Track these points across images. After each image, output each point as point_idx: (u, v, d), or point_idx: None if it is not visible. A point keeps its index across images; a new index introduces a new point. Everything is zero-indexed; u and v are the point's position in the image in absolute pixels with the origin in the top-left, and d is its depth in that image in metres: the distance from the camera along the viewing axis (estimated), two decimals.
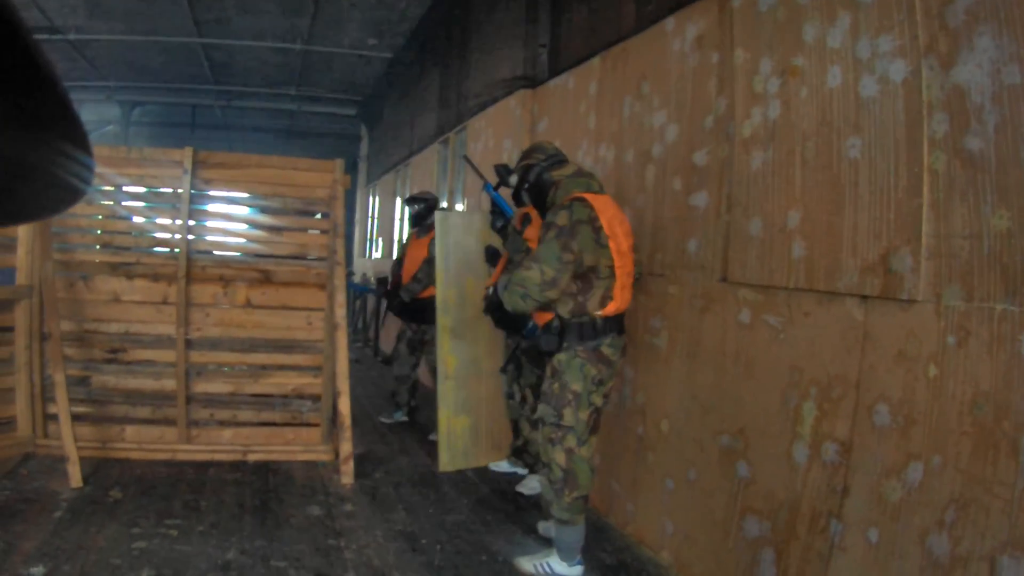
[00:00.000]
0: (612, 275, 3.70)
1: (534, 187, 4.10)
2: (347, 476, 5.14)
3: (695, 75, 4.00)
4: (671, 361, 4.08)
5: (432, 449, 5.95)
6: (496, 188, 4.81)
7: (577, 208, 3.68)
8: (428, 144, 10.17)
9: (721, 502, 3.56)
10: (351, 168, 4.99)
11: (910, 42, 2.62)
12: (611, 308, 3.72)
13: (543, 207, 4.05)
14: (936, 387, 2.49)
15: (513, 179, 4.87)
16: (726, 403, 3.59)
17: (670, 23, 4.24)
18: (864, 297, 2.81)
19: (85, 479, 4.74)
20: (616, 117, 4.82)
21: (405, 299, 6.64)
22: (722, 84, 3.76)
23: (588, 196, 3.76)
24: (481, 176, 4.97)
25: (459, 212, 5.63)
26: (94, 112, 16.95)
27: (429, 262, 6.42)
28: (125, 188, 5.61)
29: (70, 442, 4.73)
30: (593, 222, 3.66)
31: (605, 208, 3.75)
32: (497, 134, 7.05)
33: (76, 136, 0.67)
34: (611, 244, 3.67)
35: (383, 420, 7.11)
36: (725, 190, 3.67)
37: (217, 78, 15.25)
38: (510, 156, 6.38)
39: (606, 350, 3.74)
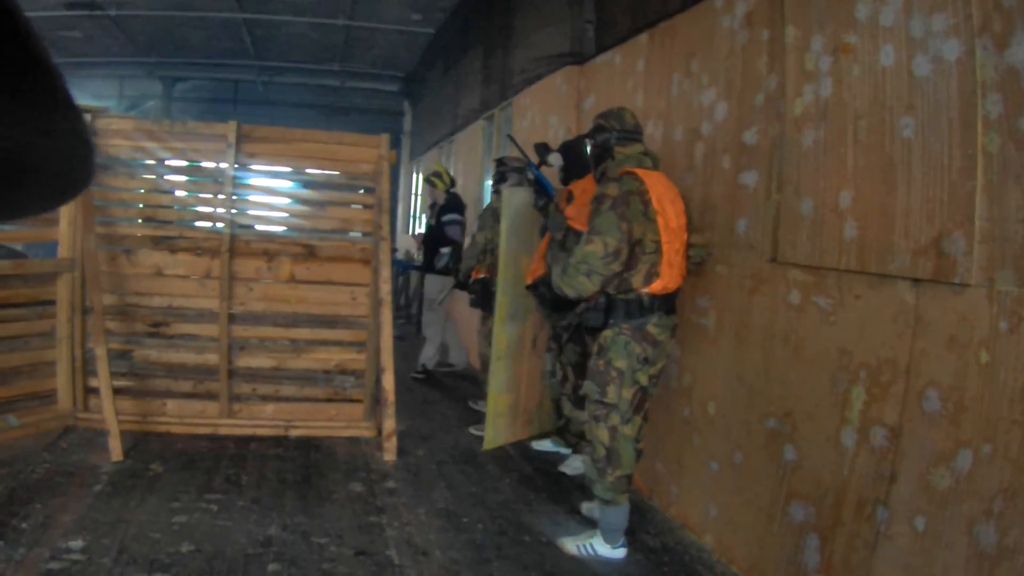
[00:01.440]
0: (658, 251, 3.68)
1: (595, 148, 4.07)
2: (389, 453, 5.18)
3: (745, 52, 3.93)
4: (719, 342, 4.05)
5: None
6: (538, 167, 4.79)
7: (627, 180, 3.70)
8: (472, 120, 10.15)
9: (767, 486, 3.53)
10: (394, 144, 5.00)
11: (964, 21, 2.56)
12: (657, 286, 3.70)
13: (594, 170, 4.08)
14: (987, 374, 2.45)
15: (553, 158, 4.86)
16: (773, 385, 3.56)
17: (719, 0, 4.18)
18: (916, 280, 2.76)
19: (126, 453, 4.80)
20: (664, 94, 4.77)
21: (461, 280, 6.53)
22: (772, 62, 3.70)
23: (639, 171, 3.75)
24: (525, 156, 4.95)
25: (523, 189, 5.51)
26: (135, 88, 17.18)
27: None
28: (168, 162, 5.65)
29: (111, 415, 4.80)
30: (642, 195, 3.66)
31: (656, 184, 3.74)
32: (543, 111, 7.02)
33: (76, 129, 0.66)
34: (659, 220, 3.66)
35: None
36: (775, 169, 3.62)
37: (259, 54, 15.33)
38: (556, 133, 6.35)
39: (652, 329, 3.72)
